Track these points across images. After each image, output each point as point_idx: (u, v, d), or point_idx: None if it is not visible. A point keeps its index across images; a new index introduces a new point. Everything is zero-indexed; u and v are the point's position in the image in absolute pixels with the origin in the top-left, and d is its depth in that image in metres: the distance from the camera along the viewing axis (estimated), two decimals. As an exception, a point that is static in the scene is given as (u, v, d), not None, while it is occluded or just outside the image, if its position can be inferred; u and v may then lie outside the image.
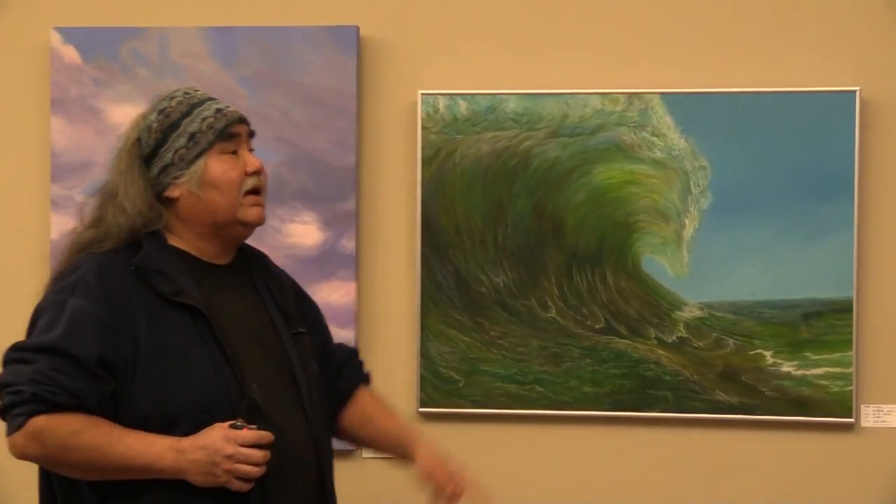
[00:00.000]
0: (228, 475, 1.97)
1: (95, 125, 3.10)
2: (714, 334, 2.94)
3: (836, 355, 2.90)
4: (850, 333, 2.89)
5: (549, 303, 2.99)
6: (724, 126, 2.93)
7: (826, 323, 2.90)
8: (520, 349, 2.99)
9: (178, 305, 2.04)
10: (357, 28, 3.03)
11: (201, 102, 2.14)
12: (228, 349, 2.05)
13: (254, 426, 1.99)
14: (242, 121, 2.17)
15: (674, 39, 2.99)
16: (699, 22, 2.99)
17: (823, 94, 2.89)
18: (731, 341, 2.93)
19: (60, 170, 3.11)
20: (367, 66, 3.05)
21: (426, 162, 2.99)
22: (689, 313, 2.95)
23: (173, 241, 2.12)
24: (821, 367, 2.90)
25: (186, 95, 2.15)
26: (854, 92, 2.88)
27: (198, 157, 2.09)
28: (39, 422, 1.98)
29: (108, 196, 2.13)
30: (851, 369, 2.90)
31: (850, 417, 2.92)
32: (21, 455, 2.03)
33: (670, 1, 3.01)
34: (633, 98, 2.95)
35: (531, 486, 3.00)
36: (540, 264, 2.99)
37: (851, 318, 2.89)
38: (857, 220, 2.89)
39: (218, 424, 1.99)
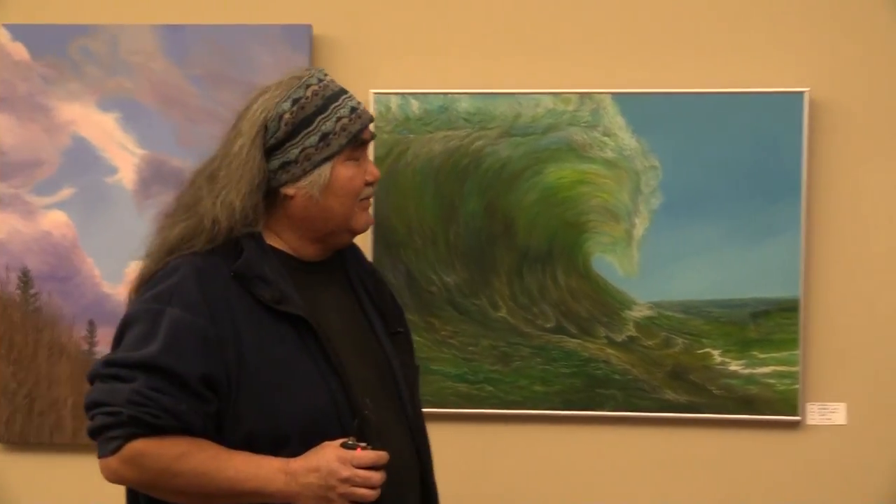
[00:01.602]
0: (343, 499, 1.83)
1: (44, 123, 3.07)
2: (663, 333, 2.95)
3: (783, 354, 2.91)
4: (797, 332, 2.91)
5: (500, 302, 2.98)
6: (674, 126, 2.94)
7: (773, 322, 2.91)
8: (470, 348, 2.99)
9: (281, 314, 1.89)
10: (310, 27, 3.02)
11: (336, 96, 1.96)
12: (336, 361, 1.90)
13: (365, 444, 1.86)
14: (371, 121, 2.01)
15: (625, 40, 3.00)
16: (650, 23, 3.00)
17: (773, 94, 2.91)
18: (679, 340, 2.94)
19: (8, 168, 3.07)
20: (320, 64, 3.04)
21: (378, 161, 2.98)
22: (638, 312, 2.96)
23: (270, 241, 1.96)
24: (768, 365, 2.92)
25: (321, 84, 1.96)
26: (803, 93, 2.90)
27: (326, 160, 1.93)
28: (139, 446, 1.82)
29: (210, 181, 1.94)
30: (797, 368, 2.92)
31: (797, 416, 2.94)
32: (116, 479, 1.88)
33: (622, 2, 3.01)
34: (585, 98, 2.96)
35: (480, 485, 3.00)
36: (491, 264, 2.98)
37: (798, 317, 2.91)
38: (804, 221, 2.91)
39: (329, 444, 1.85)
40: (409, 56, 3.05)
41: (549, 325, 2.98)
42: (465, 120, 2.99)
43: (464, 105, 2.99)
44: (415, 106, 3.00)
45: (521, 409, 2.98)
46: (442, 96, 2.99)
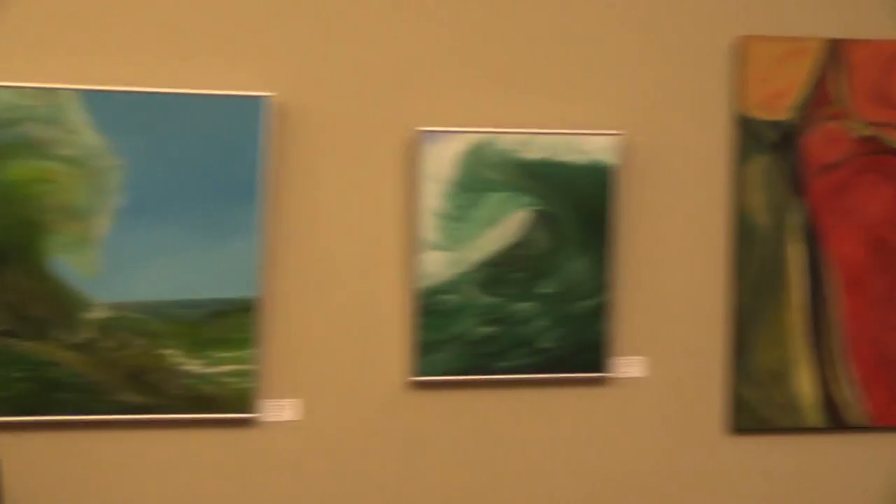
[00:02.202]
0: None
1: None
2: (123, 335, 2.90)
3: (240, 353, 2.98)
4: (254, 331, 2.99)
5: (-52, 305, 2.81)
6: (140, 126, 2.90)
7: (231, 321, 2.96)
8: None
9: None
10: None
11: None
12: None
13: None
14: None
15: (90, 35, 2.93)
16: (127, 19, 2.95)
17: (237, 98, 2.96)
18: (139, 341, 2.91)
19: None
20: None
21: None
22: (98, 314, 2.89)
23: None
24: (225, 364, 2.96)
25: None
26: (265, 97, 2.96)
27: None
28: None
29: None
30: (254, 366, 3.00)
31: (253, 413, 3.01)
32: None
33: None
34: (46, 93, 2.85)
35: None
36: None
37: (255, 317, 2.99)
38: (263, 222, 2.98)
39: None
40: None
41: (1, 329, 2.84)
42: (-86, 110, 2.79)
43: (-88, 94, 2.78)
44: None
45: (-29, 418, 2.83)
46: None
